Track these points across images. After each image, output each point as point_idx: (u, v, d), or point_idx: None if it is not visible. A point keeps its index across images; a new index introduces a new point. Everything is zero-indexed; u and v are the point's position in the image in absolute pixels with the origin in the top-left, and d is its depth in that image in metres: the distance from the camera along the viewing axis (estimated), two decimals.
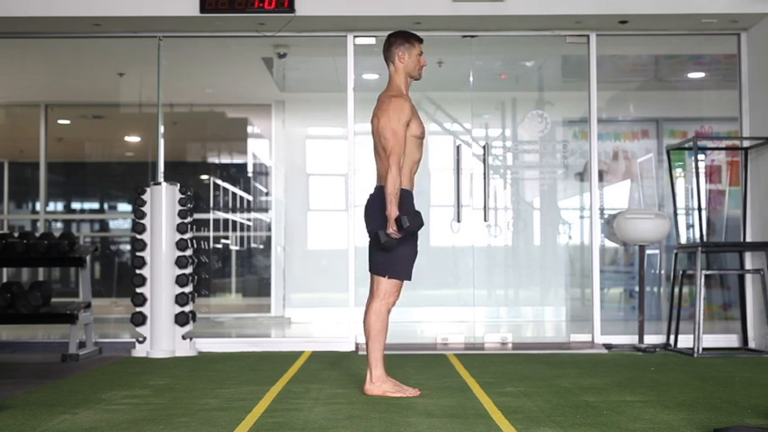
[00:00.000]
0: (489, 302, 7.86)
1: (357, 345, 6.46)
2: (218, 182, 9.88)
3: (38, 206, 10.36)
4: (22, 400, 4.09)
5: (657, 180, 7.71)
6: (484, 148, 6.86)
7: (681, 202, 7.37)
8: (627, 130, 7.90)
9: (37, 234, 6.39)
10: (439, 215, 7.91)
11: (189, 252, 6.15)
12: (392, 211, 3.98)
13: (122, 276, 10.56)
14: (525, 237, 8.11)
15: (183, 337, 6.07)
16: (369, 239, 4.21)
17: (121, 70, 8.36)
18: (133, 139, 10.89)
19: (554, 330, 8.01)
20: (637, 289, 6.83)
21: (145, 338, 6.04)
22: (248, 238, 9.84)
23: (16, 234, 6.48)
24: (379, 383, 4.13)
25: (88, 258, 6.24)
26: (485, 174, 6.81)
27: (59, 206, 11.54)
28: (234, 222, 9.72)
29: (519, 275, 8.17)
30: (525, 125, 7.53)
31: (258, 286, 9.42)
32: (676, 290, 6.55)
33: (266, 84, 8.61)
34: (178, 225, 6.13)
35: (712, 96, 7.73)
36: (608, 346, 6.46)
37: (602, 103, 7.12)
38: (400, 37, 4.24)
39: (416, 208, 4.18)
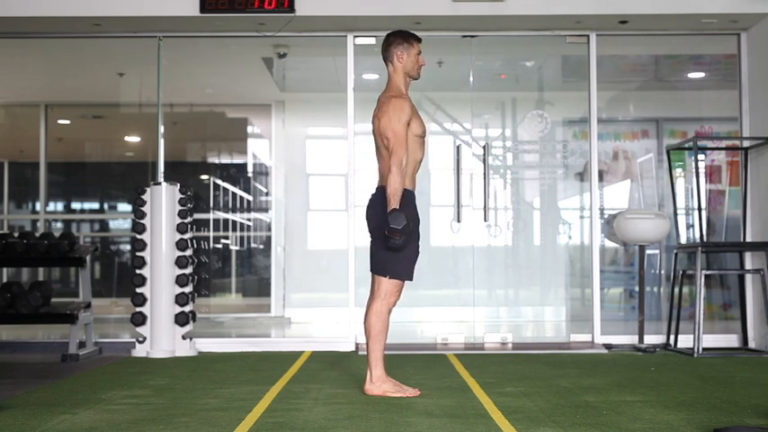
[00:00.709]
0: (489, 302, 7.86)
1: (357, 345, 6.46)
2: (218, 182, 9.88)
3: (38, 206, 10.36)
4: (22, 400, 4.09)
5: (657, 180, 7.71)
6: (484, 148, 6.86)
7: (681, 202, 7.37)
8: (627, 130, 7.90)
9: (37, 234, 6.39)
10: (439, 215, 7.91)
11: (189, 252, 6.16)
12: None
13: (122, 276, 10.56)
14: (525, 237, 8.11)
15: (183, 337, 6.07)
16: (370, 239, 4.21)
17: (121, 70, 8.36)
18: (133, 139, 10.89)
19: (554, 330, 8.01)
20: (637, 289, 6.83)
21: (145, 338, 6.04)
22: (248, 238, 9.84)
23: (16, 234, 6.48)
24: (379, 383, 4.14)
25: (88, 258, 6.24)
26: (485, 174, 6.81)
27: (59, 206, 11.54)
28: (234, 222, 9.72)
29: (519, 275, 8.17)
30: (525, 125, 7.53)
31: (258, 286, 9.42)
32: (676, 290, 6.55)
33: (266, 84, 8.61)
34: (178, 225, 6.13)
35: (712, 96, 7.73)
36: (608, 346, 6.46)
37: (602, 103, 7.12)
38: (399, 36, 4.24)
39: (417, 208, 4.20)
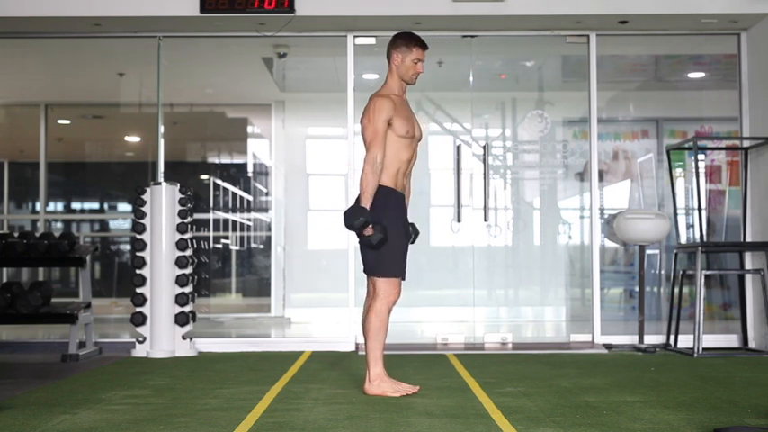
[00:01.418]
0: (489, 302, 7.86)
1: (357, 345, 6.46)
2: (218, 182, 9.88)
3: (38, 206, 10.36)
4: (22, 400, 4.09)
5: (657, 180, 7.71)
6: (484, 148, 6.86)
7: (681, 202, 7.37)
8: (627, 130, 7.89)
9: (37, 234, 6.39)
10: (439, 215, 7.91)
11: (189, 252, 6.16)
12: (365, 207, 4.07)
13: (122, 276, 10.56)
14: (525, 237, 8.11)
15: (183, 337, 6.07)
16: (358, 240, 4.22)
17: (121, 70, 8.36)
18: (133, 139, 10.89)
19: (554, 330, 8.01)
20: (637, 289, 6.83)
21: (145, 338, 6.04)
22: (248, 238, 9.84)
23: (16, 234, 6.49)
24: (377, 382, 4.13)
25: (88, 258, 6.24)
26: (485, 174, 6.82)
27: (59, 206, 11.54)
28: (234, 222, 9.72)
29: (519, 275, 8.17)
30: (525, 125, 7.53)
31: (258, 286, 9.42)
32: (676, 290, 6.55)
33: (266, 84, 8.61)
34: (178, 225, 6.13)
35: (712, 96, 7.73)
36: (608, 346, 6.46)
37: (602, 103, 7.12)
38: (401, 39, 4.24)
39: (412, 207, 4.24)
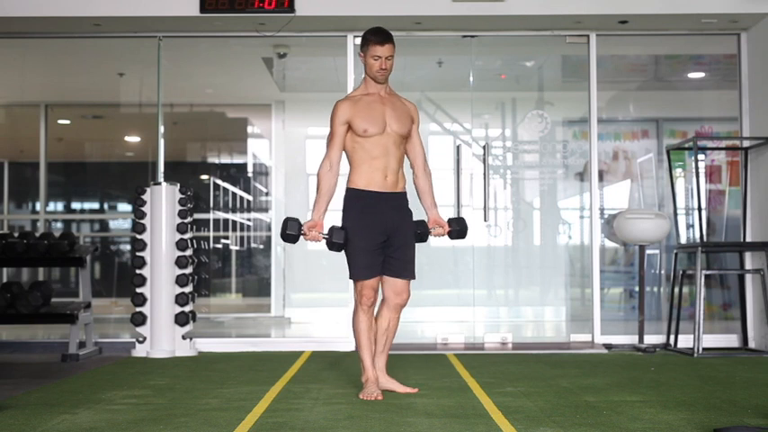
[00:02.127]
0: (489, 302, 7.86)
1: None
2: (218, 182, 9.88)
3: (38, 206, 10.36)
4: (22, 400, 4.10)
5: (657, 180, 7.71)
6: (484, 148, 6.86)
7: (681, 202, 7.37)
8: (627, 130, 7.89)
9: (37, 234, 6.39)
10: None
11: (189, 252, 6.16)
12: (315, 211, 4.15)
13: (122, 276, 10.55)
14: (525, 237, 8.10)
15: (183, 337, 6.07)
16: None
17: (121, 70, 8.36)
18: (133, 139, 10.89)
19: (554, 330, 8.01)
20: (637, 289, 6.83)
21: (145, 338, 6.04)
22: (248, 238, 9.84)
23: (16, 234, 6.49)
24: (366, 387, 4.12)
25: (88, 258, 6.24)
26: (485, 174, 6.82)
27: (59, 206, 11.54)
28: (234, 222, 9.72)
29: (519, 275, 8.17)
30: (525, 125, 7.53)
31: (258, 286, 9.42)
32: (676, 290, 6.55)
33: (266, 84, 8.61)
34: (178, 225, 6.13)
35: (712, 96, 7.73)
36: (608, 346, 6.46)
37: (602, 103, 7.12)
38: (364, 36, 4.20)
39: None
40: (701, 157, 7.21)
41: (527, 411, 3.70)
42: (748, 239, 6.63)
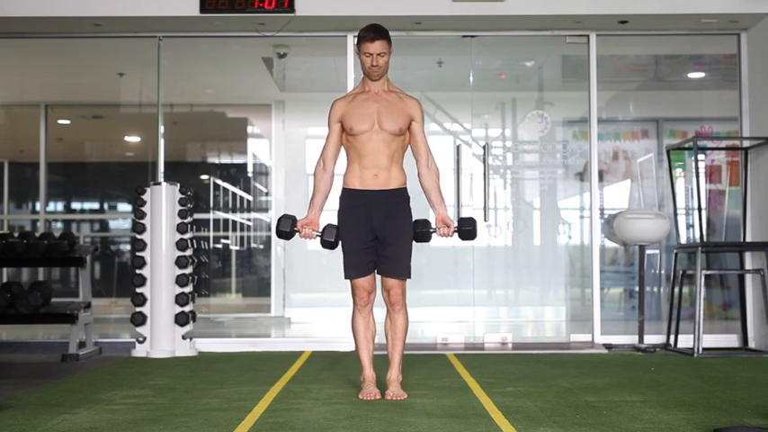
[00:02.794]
0: (489, 302, 7.86)
1: None
2: (218, 182, 9.88)
3: (38, 206, 10.36)
4: (22, 400, 4.10)
5: (657, 180, 7.71)
6: (484, 148, 6.86)
7: (681, 202, 7.37)
8: (627, 130, 7.89)
9: (37, 234, 6.39)
10: None
11: (189, 252, 6.15)
12: (309, 209, 4.18)
13: (122, 276, 10.55)
14: (525, 237, 8.10)
15: (183, 337, 6.07)
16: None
17: (121, 70, 8.36)
18: (133, 139, 10.89)
19: (554, 330, 8.01)
20: (637, 289, 6.83)
21: (145, 338, 6.04)
22: (248, 238, 9.84)
23: (16, 234, 6.49)
24: (364, 388, 4.13)
25: (88, 258, 6.24)
26: (485, 174, 6.82)
27: (59, 206, 11.54)
28: (234, 222, 9.72)
29: (519, 275, 8.17)
30: (525, 125, 7.53)
31: (258, 286, 9.42)
32: (676, 290, 6.55)
33: (266, 84, 8.61)
34: (178, 225, 6.13)
35: (712, 96, 7.73)
36: (608, 346, 6.46)
37: (602, 103, 7.12)
38: (358, 33, 4.16)
39: (364, 206, 4.17)
40: (700, 157, 7.21)
41: (527, 411, 3.70)
42: (748, 239, 6.63)
